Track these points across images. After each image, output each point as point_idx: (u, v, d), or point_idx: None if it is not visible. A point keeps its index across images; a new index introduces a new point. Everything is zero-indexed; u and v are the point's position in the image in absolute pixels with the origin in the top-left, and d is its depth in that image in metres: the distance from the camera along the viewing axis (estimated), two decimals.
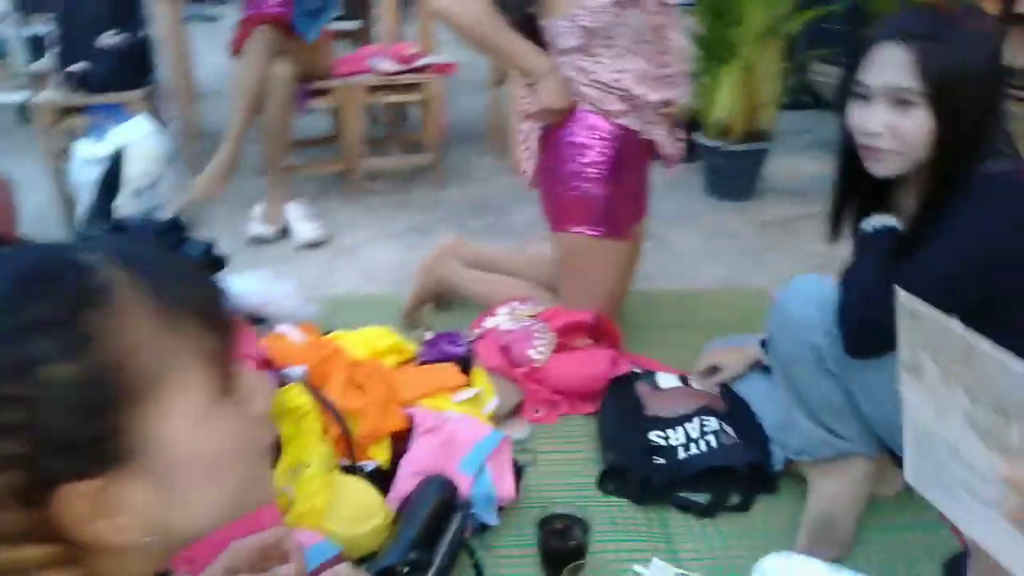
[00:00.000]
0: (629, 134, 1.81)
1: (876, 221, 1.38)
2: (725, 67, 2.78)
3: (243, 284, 1.82)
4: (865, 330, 1.28)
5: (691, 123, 3.24)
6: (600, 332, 1.92)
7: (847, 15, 3.31)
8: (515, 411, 1.77)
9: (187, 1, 6.86)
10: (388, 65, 2.91)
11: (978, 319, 1.27)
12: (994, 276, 1.23)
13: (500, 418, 1.71)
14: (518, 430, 1.72)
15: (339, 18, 3.06)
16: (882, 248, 1.33)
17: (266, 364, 1.45)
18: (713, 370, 1.80)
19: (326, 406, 1.46)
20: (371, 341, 1.72)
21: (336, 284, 2.46)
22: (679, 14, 1.90)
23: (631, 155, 1.85)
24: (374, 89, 2.96)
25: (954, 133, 1.19)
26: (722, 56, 2.84)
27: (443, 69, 3.00)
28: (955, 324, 0.66)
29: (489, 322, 1.92)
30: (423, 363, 1.77)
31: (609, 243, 1.87)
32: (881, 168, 1.26)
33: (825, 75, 3.99)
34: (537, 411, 1.78)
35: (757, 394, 1.71)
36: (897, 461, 1.50)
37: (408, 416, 1.54)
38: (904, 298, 0.72)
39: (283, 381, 1.47)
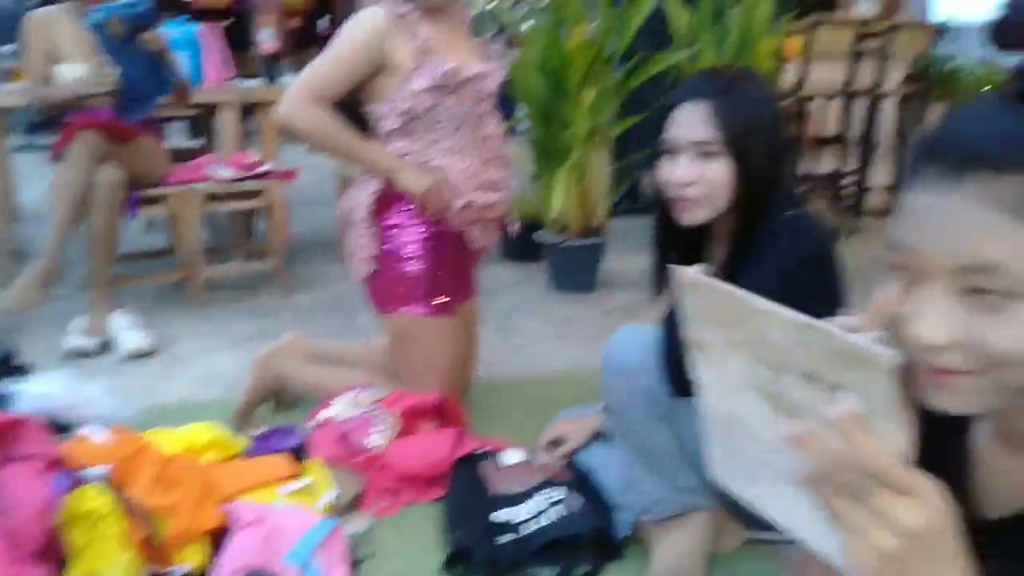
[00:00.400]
0: (445, 219, 1.86)
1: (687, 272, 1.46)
2: (558, 168, 2.94)
3: (45, 387, 1.64)
4: (685, 368, 1.33)
5: (534, 221, 3.39)
6: (445, 415, 1.87)
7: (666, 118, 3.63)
8: (356, 502, 1.66)
9: (18, 132, 6.62)
10: (227, 172, 2.87)
11: None
12: (797, 310, 1.31)
13: (339, 510, 1.60)
14: (358, 522, 1.61)
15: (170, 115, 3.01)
16: None
17: (56, 464, 1.29)
18: (557, 443, 1.78)
19: (129, 507, 1.31)
20: (189, 437, 1.59)
21: (167, 393, 2.28)
22: (503, 118, 2.01)
23: (449, 235, 1.89)
24: (213, 197, 2.89)
25: (752, 179, 1.30)
26: (555, 158, 3.01)
27: (285, 176, 2.99)
28: (727, 286, 0.66)
29: (328, 411, 1.83)
30: (251, 457, 1.64)
31: (437, 320, 1.87)
32: (692, 216, 1.35)
33: (653, 183, 4.32)
34: (378, 502, 1.67)
35: (601, 462, 1.70)
36: (735, 514, 1.52)
37: (227, 512, 1.40)
38: (680, 273, 0.70)
39: (77, 483, 1.31)
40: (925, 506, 0.53)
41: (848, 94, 3.93)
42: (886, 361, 0.53)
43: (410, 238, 1.84)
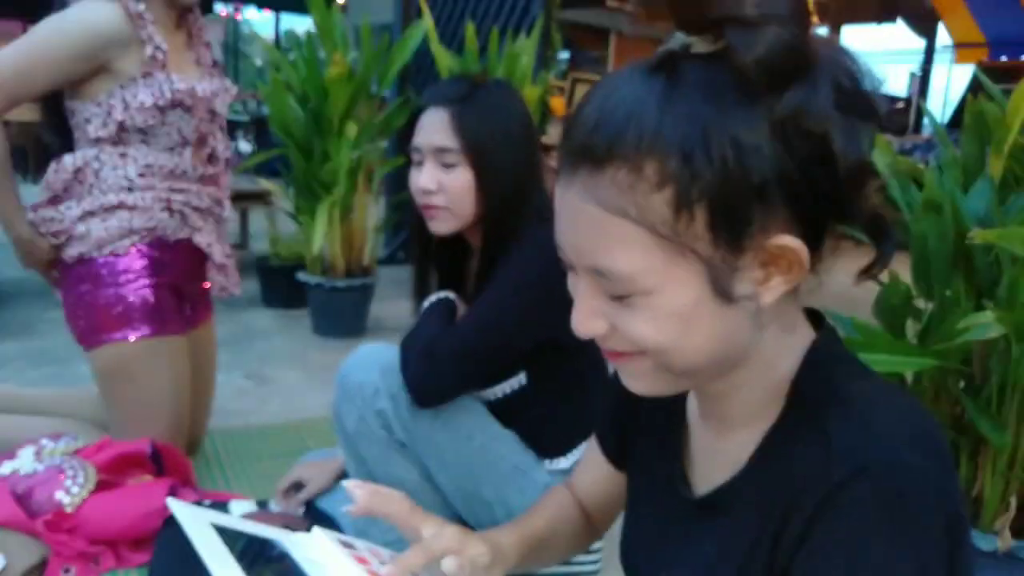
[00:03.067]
0: (166, 235, 1.64)
1: (433, 296, 1.39)
2: (319, 204, 2.79)
3: None
4: (428, 376, 1.24)
5: (296, 263, 3.19)
6: (163, 464, 1.61)
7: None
8: (39, 572, 1.36)
9: None
10: None
11: (540, 370, 1.32)
12: (536, 321, 1.26)
13: None
14: None
15: None
16: (438, 312, 1.34)
17: None
18: (297, 487, 1.60)
19: None
20: None
21: None
22: (225, 126, 1.81)
23: (173, 255, 1.66)
24: None
25: (494, 189, 1.24)
26: (315, 193, 2.86)
27: None
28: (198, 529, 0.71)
29: (6, 466, 1.50)
30: None
31: (158, 343, 1.62)
32: (439, 226, 1.28)
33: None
34: (67, 570, 1.37)
35: (343, 506, 1.53)
36: None
37: None
38: (171, 503, 0.75)
39: None
40: None
41: None
42: None
43: (127, 261, 1.59)
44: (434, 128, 1.25)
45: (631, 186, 0.50)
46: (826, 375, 0.57)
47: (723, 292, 0.53)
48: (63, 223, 1.58)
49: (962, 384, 1.34)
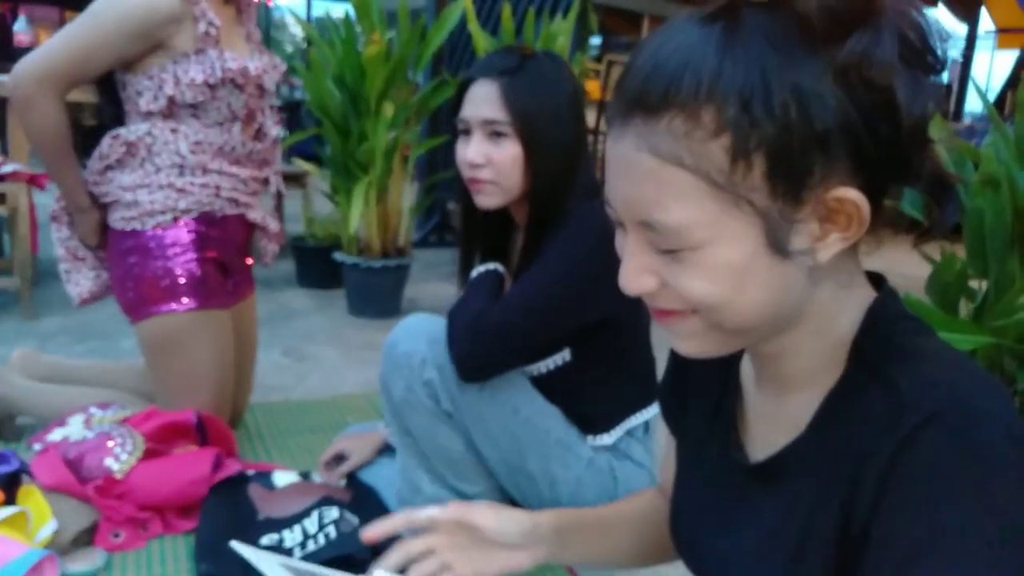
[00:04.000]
0: (213, 211, 1.66)
1: (480, 268, 1.39)
2: (356, 184, 2.80)
3: None
4: (473, 352, 1.24)
5: (332, 244, 3.22)
6: (207, 435, 1.63)
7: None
8: (89, 536, 1.39)
9: None
10: None
11: (585, 347, 1.31)
12: (585, 299, 1.25)
13: (62, 545, 1.32)
14: (87, 560, 1.33)
15: None
16: (486, 285, 1.34)
17: None
18: (339, 460, 1.61)
19: None
20: None
21: None
22: (274, 104, 1.82)
23: (220, 231, 1.68)
24: None
25: (543, 163, 1.23)
26: (352, 174, 2.87)
27: (33, 180, 2.59)
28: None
29: (57, 433, 1.53)
30: None
31: (204, 316, 1.64)
32: (486, 200, 1.27)
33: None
34: (116, 535, 1.40)
35: (385, 478, 1.55)
36: None
37: None
38: (236, 545, 0.82)
39: None
40: None
41: None
42: None
43: (176, 232, 1.61)
44: (483, 100, 1.24)
45: (687, 134, 0.49)
46: (889, 332, 0.56)
47: (778, 246, 0.51)
48: (110, 185, 1.61)
49: (1016, 364, 1.31)
